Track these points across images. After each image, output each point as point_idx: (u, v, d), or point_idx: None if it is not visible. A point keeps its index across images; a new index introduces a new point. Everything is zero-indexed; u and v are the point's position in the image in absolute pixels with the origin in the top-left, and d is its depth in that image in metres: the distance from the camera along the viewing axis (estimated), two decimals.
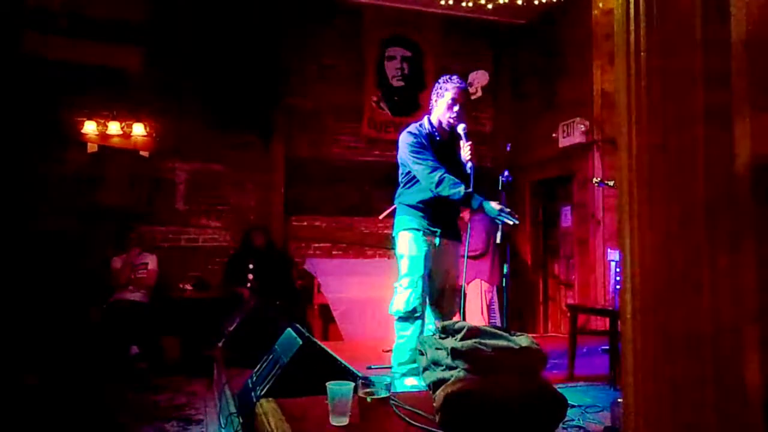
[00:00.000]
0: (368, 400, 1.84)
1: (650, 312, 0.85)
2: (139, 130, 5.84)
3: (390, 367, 3.20)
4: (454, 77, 3.16)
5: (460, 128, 3.07)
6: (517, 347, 1.93)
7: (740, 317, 0.73)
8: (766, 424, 0.70)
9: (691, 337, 0.79)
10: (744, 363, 0.72)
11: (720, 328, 0.75)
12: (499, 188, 3.20)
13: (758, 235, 0.73)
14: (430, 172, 3.01)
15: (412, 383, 2.97)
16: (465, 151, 3.01)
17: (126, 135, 5.82)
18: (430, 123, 3.20)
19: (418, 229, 3.08)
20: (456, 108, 3.08)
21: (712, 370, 0.75)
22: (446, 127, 3.15)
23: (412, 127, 3.21)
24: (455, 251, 3.21)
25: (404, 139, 3.16)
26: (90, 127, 5.70)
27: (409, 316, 3.03)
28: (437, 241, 3.08)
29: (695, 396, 0.77)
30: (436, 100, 3.18)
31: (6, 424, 3.27)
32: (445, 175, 2.98)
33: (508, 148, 3.48)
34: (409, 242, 3.09)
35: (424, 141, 3.11)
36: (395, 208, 3.25)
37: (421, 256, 3.05)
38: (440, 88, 3.16)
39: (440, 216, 3.09)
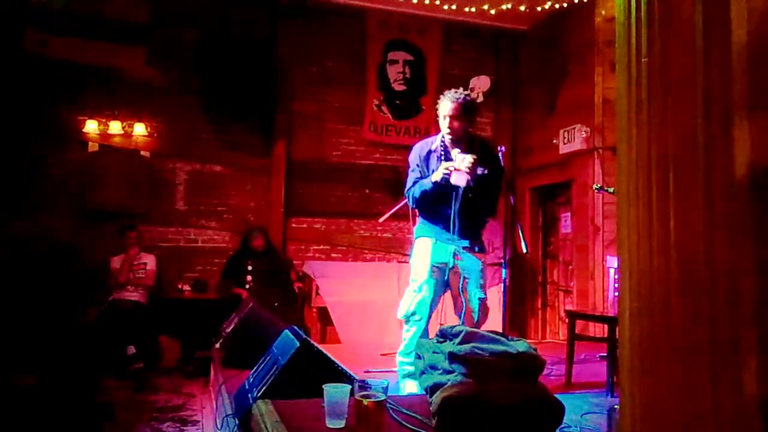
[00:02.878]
0: (365, 403, 1.84)
1: (648, 316, 0.85)
2: (140, 129, 5.85)
3: (387, 371, 3.21)
4: (450, 92, 3.09)
5: (454, 152, 3.05)
6: (514, 352, 1.93)
7: (738, 321, 0.73)
8: (763, 427, 0.70)
9: (688, 341, 0.79)
10: (742, 366, 0.72)
11: (718, 332, 0.75)
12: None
13: (757, 239, 0.73)
14: (405, 193, 3.23)
15: (411, 387, 2.98)
16: (460, 162, 2.95)
17: (127, 135, 5.83)
18: (442, 138, 3.16)
19: (433, 239, 3.11)
20: (448, 123, 3.04)
21: (709, 373, 0.75)
22: (453, 142, 3.10)
23: (420, 142, 3.28)
24: (476, 260, 3.12)
25: (409, 155, 3.29)
26: (91, 127, 5.71)
27: (408, 318, 3.08)
28: (454, 250, 3.07)
29: (692, 400, 0.77)
30: (439, 118, 3.16)
31: (3, 424, 3.26)
32: (412, 188, 3.13)
33: (502, 150, 3.47)
34: (422, 248, 3.13)
35: (419, 161, 3.18)
36: (395, 211, 3.27)
37: (429, 263, 3.06)
38: (436, 106, 3.16)
39: (456, 227, 3.06)
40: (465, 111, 3.04)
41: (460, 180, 2.92)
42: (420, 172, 3.15)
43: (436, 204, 3.08)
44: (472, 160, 2.92)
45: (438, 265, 3.07)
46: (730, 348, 0.73)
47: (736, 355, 0.72)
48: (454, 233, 3.05)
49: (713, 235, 0.78)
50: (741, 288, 0.74)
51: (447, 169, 2.94)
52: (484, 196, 3.09)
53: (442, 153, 3.12)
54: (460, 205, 3.03)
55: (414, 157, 3.23)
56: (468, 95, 3.08)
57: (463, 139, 3.10)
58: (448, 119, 3.04)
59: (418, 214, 3.27)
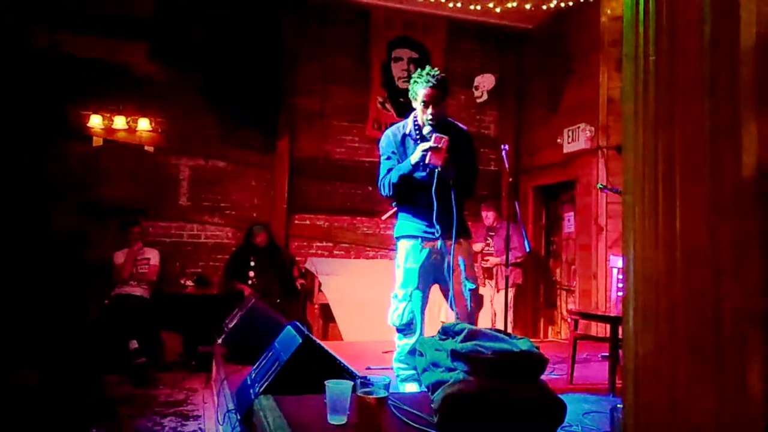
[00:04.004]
0: (367, 399, 1.84)
1: (653, 316, 0.85)
2: (144, 125, 5.85)
3: (388, 368, 3.20)
4: (423, 74, 2.96)
5: (425, 131, 2.92)
6: (517, 350, 1.93)
7: (743, 321, 0.73)
8: (766, 428, 0.70)
9: (693, 341, 0.79)
10: (746, 366, 0.72)
11: (723, 332, 0.75)
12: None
13: (763, 239, 0.73)
14: (378, 183, 3.06)
15: (411, 389, 2.94)
16: (437, 142, 2.81)
17: (131, 130, 5.84)
18: (415, 121, 3.04)
19: (415, 236, 2.97)
20: (430, 110, 2.92)
21: (714, 374, 0.75)
22: (430, 123, 2.95)
23: (392, 128, 3.14)
24: (462, 249, 3.00)
25: (380, 143, 3.12)
26: (95, 121, 5.71)
27: (405, 329, 2.97)
28: (439, 244, 2.94)
29: (696, 400, 0.77)
30: (412, 101, 3.04)
31: (5, 419, 3.28)
32: (387, 175, 2.98)
33: (505, 149, 3.44)
34: (406, 252, 2.99)
35: (394, 148, 3.04)
36: (397, 210, 3.19)
37: (416, 269, 2.94)
38: (411, 90, 3.01)
39: (437, 215, 2.88)
40: (442, 92, 2.94)
41: (436, 160, 2.80)
42: (397, 158, 3.01)
43: (414, 190, 2.93)
44: (447, 139, 2.80)
45: (425, 267, 2.96)
46: (735, 348, 0.73)
47: (741, 355, 0.72)
48: (436, 221, 2.89)
49: (719, 234, 0.78)
50: (747, 287, 0.74)
51: (424, 150, 2.81)
52: (460, 176, 2.93)
53: (418, 136, 2.99)
54: (441, 189, 2.86)
55: (387, 144, 3.07)
56: (439, 73, 2.97)
57: (440, 120, 2.98)
58: (427, 105, 2.93)
59: (397, 209, 3.12)
